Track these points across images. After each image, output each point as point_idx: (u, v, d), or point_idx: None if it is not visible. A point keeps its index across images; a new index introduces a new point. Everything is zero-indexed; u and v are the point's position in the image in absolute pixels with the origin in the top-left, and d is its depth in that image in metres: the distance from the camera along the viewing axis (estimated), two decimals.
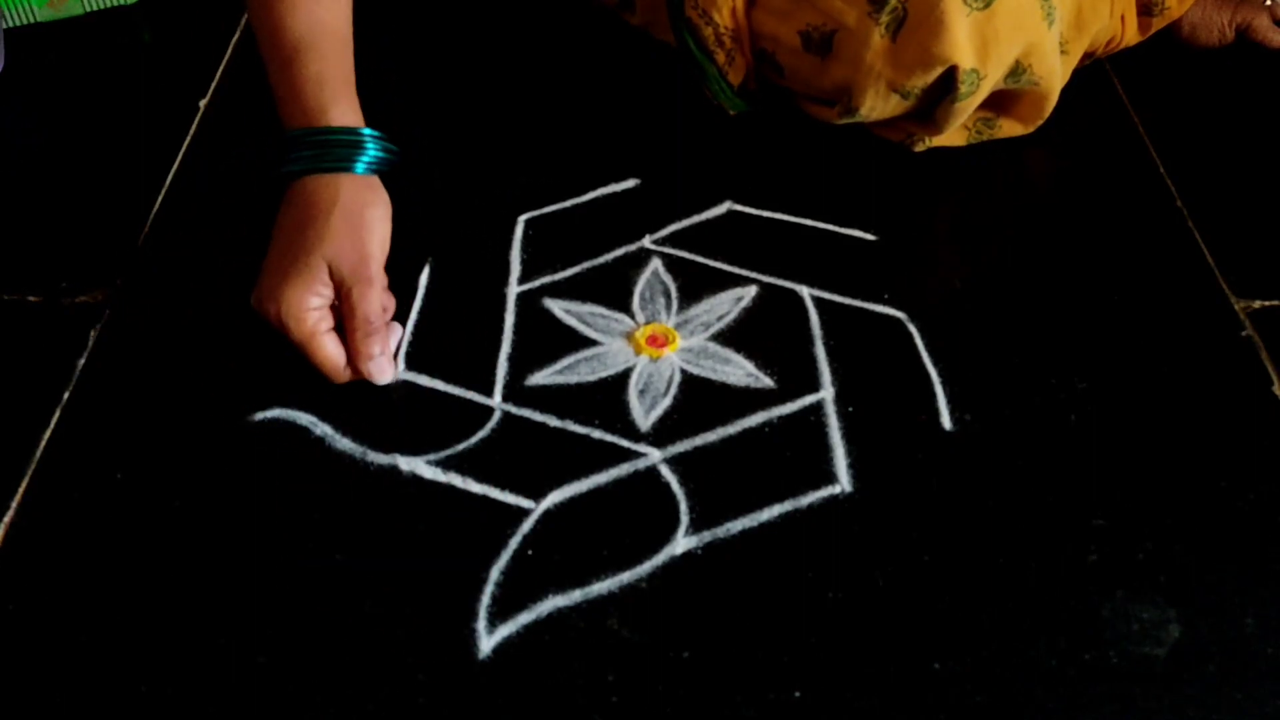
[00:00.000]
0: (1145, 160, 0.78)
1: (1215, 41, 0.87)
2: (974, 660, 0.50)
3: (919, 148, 0.76)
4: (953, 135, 0.76)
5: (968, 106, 0.70)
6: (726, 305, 0.67)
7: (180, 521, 0.55)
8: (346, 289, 0.59)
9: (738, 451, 0.59)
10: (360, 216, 0.60)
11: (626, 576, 0.53)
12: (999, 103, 0.75)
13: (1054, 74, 0.71)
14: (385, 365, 0.60)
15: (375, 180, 0.62)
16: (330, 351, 0.59)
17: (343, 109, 0.62)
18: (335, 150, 0.61)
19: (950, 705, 0.49)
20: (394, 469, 0.57)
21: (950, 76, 0.67)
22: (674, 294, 0.67)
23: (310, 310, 0.58)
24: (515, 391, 0.61)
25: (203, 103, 0.81)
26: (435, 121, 0.80)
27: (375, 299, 0.59)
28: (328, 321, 0.59)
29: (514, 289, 0.67)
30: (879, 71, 0.68)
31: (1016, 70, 0.70)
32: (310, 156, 0.61)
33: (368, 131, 0.63)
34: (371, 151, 0.62)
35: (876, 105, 0.71)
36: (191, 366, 0.63)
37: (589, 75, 0.84)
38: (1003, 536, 0.55)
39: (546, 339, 0.64)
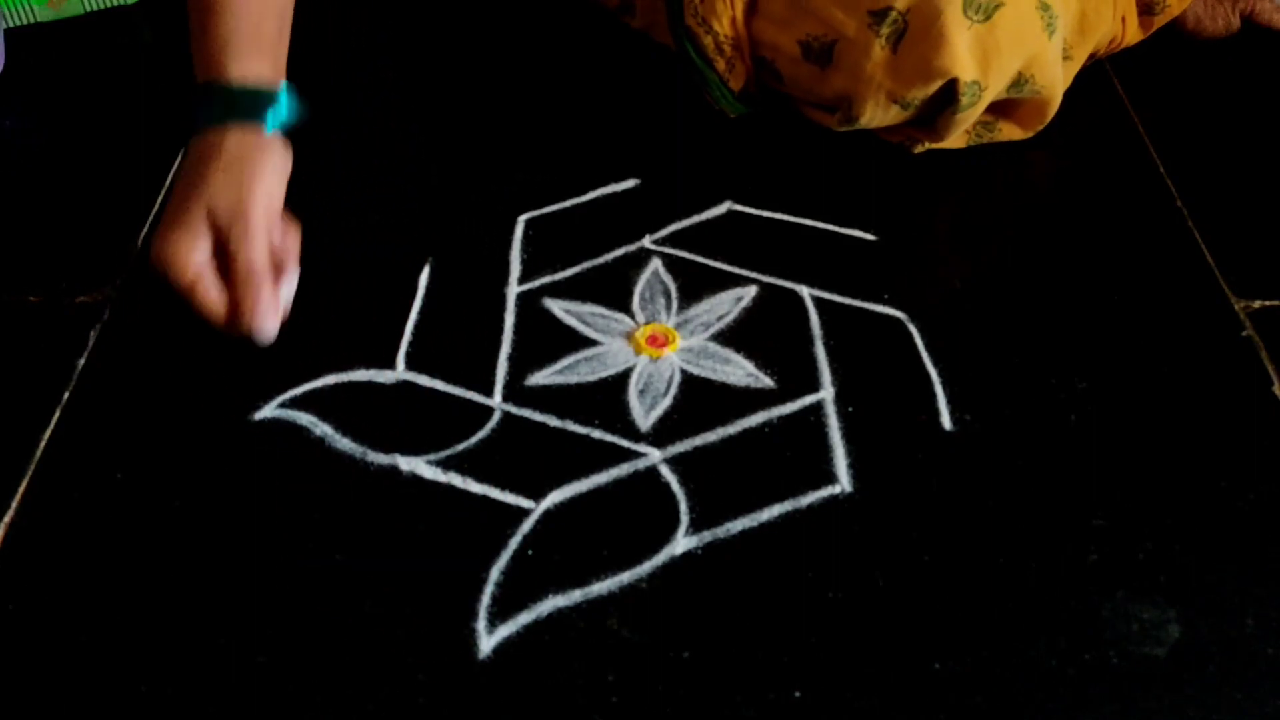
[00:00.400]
0: (1145, 160, 0.78)
1: (1221, 30, 0.86)
2: (974, 660, 0.50)
3: (918, 149, 0.76)
4: (953, 138, 0.76)
5: (969, 117, 0.70)
6: (726, 305, 0.67)
7: (180, 521, 0.55)
8: (226, 236, 0.58)
9: (738, 451, 0.59)
10: (245, 163, 0.59)
11: (626, 576, 0.53)
12: (1000, 108, 0.75)
13: (1056, 82, 0.71)
14: (267, 315, 0.58)
15: (275, 134, 0.61)
16: (211, 299, 0.58)
17: (251, 64, 0.61)
18: (238, 104, 0.60)
19: (950, 705, 0.49)
20: (394, 469, 0.57)
21: (951, 88, 0.67)
22: (674, 294, 0.67)
23: (191, 258, 0.57)
24: (515, 391, 0.61)
25: None
26: (435, 121, 0.80)
27: (256, 246, 0.58)
28: (211, 271, 0.58)
29: (514, 289, 0.67)
30: (879, 82, 0.68)
31: (1019, 81, 0.70)
32: (219, 113, 0.60)
33: (279, 86, 0.62)
34: (279, 108, 0.61)
35: (876, 115, 0.71)
36: (191, 366, 0.63)
37: (589, 76, 0.84)
38: (1003, 536, 0.55)
39: (546, 339, 0.64)
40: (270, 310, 0.59)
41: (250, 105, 0.60)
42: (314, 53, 0.87)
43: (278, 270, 0.60)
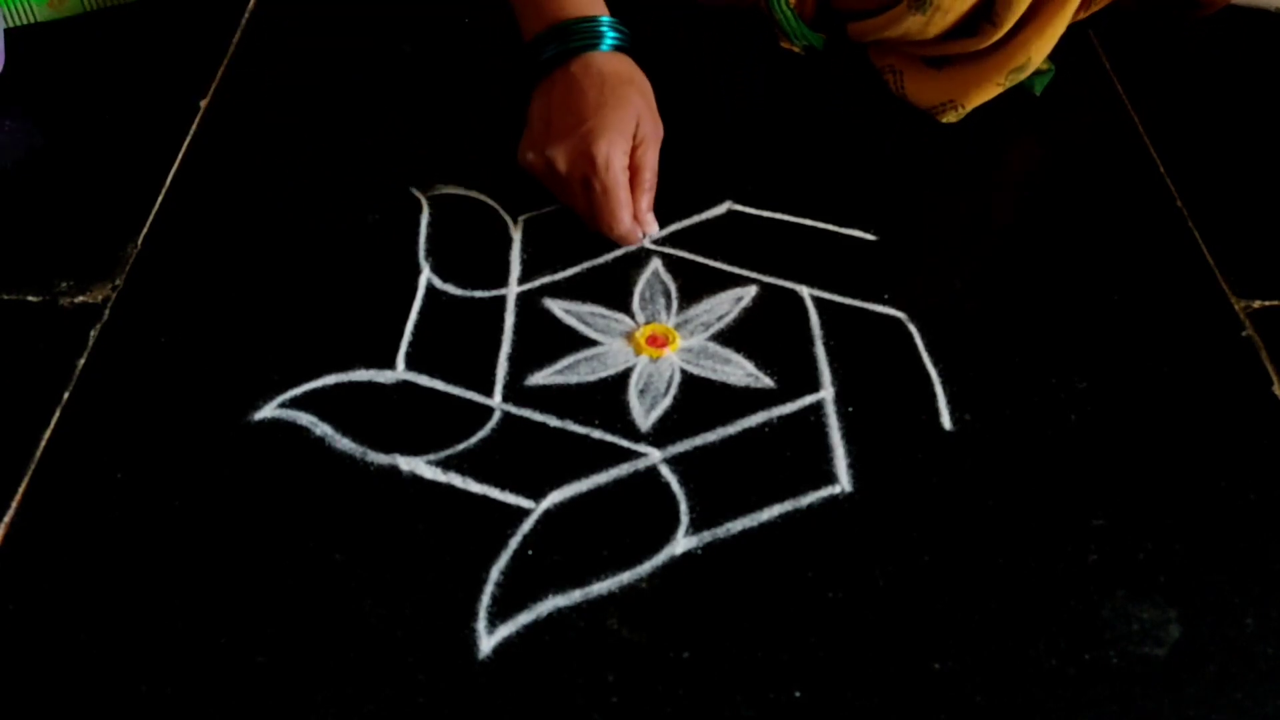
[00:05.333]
0: (1145, 160, 0.78)
1: None
2: (974, 660, 0.50)
3: (948, 117, 0.76)
4: (985, 89, 0.75)
5: None
6: (726, 305, 0.67)
7: (180, 521, 0.55)
8: (638, 143, 0.66)
9: (738, 451, 0.59)
10: (644, 82, 0.69)
11: (626, 576, 0.53)
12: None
13: None
14: (654, 221, 0.69)
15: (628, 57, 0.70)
16: (627, 198, 0.66)
17: (582, 5, 0.69)
18: (591, 35, 0.68)
19: (950, 705, 0.49)
20: (394, 469, 0.57)
21: None
22: (674, 294, 0.67)
23: (624, 162, 0.65)
24: (515, 391, 0.61)
25: (203, 103, 0.81)
26: (435, 121, 0.80)
27: (657, 157, 0.67)
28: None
29: (514, 289, 0.68)
30: None
31: None
32: (580, 46, 0.67)
33: (606, 20, 0.69)
34: (615, 33, 0.69)
35: None
36: (191, 367, 0.63)
37: None
38: (1003, 536, 0.55)
39: (546, 339, 0.64)
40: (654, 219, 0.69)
41: (598, 34, 0.69)
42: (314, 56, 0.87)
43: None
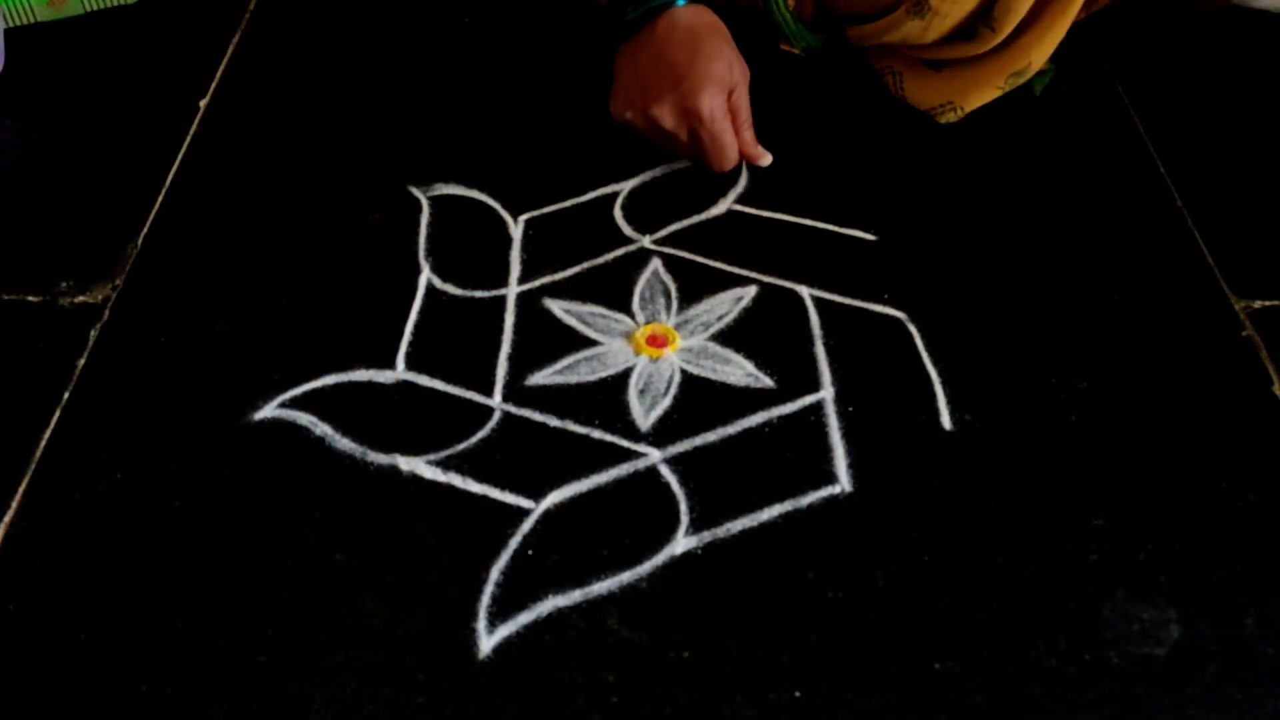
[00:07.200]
0: (1145, 160, 0.78)
1: None
2: (974, 660, 0.50)
3: (947, 118, 0.76)
4: (985, 91, 0.76)
5: None
6: (726, 305, 0.67)
7: (180, 521, 0.55)
8: (732, 87, 0.70)
9: (738, 451, 0.59)
10: (724, 28, 0.72)
11: (626, 576, 0.53)
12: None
13: None
14: (765, 151, 0.74)
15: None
16: (733, 140, 0.71)
17: None
18: None
19: (950, 705, 0.49)
20: (394, 469, 0.57)
21: None
22: (674, 294, 0.67)
23: (725, 104, 0.70)
24: (515, 391, 0.61)
25: (203, 103, 0.81)
26: (436, 121, 0.80)
27: (748, 95, 0.72)
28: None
29: (514, 289, 0.67)
30: None
31: None
32: (659, 5, 0.71)
33: None
34: None
35: None
36: (191, 366, 0.63)
37: (589, 75, 0.84)
38: (1003, 536, 0.55)
39: (546, 339, 0.64)
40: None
41: None
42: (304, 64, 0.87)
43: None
